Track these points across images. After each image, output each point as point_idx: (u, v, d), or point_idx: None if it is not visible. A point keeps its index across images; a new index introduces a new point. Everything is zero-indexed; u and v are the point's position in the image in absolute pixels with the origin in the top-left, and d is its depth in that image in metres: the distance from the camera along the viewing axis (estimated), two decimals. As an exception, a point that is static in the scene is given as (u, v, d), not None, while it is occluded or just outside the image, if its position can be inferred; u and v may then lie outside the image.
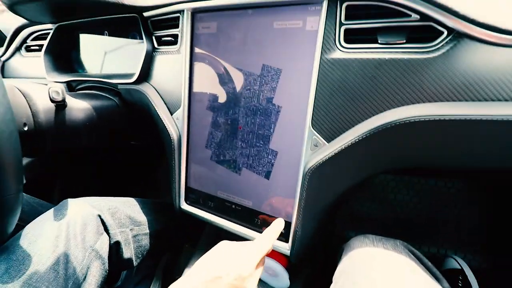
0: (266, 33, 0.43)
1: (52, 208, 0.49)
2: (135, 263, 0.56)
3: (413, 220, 0.80)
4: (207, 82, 0.51)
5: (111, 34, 0.68)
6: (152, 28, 0.58)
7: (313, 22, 0.39)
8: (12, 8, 0.56)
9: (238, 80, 0.48)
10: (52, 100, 0.46)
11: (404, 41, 0.34)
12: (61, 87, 0.46)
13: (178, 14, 0.52)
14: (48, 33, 0.72)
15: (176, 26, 0.53)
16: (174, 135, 0.54)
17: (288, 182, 0.45)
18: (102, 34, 0.69)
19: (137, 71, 0.58)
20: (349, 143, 0.37)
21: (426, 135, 0.35)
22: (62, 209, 0.48)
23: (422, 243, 0.78)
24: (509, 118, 0.30)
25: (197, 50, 0.51)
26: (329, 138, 0.40)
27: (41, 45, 0.74)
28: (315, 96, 0.39)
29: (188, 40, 0.51)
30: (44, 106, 0.48)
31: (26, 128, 0.46)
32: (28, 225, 0.46)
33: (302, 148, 0.42)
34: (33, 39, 0.78)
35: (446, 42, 0.33)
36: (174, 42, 0.54)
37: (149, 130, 0.63)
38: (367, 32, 0.36)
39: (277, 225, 0.42)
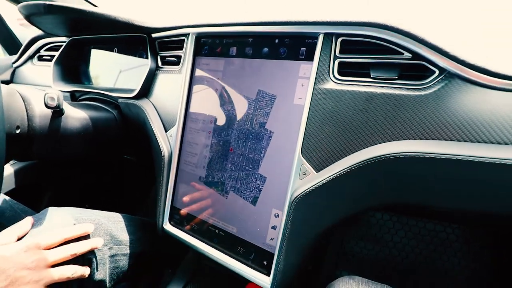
0: (262, 63, 0.45)
1: (32, 216, 0.47)
2: (108, 285, 0.53)
3: (408, 265, 0.75)
4: (203, 103, 0.52)
5: (120, 51, 0.71)
6: (159, 48, 0.61)
7: (308, 53, 0.40)
8: (29, 19, 0.59)
9: (234, 104, 0.48)
10: (47, 106, 0.47)
11: (396, 77, 0.35)
12: (58, 94, 0.47)
13: (183, 37, 0.54)
14: (61, 45, 0.76)
15: (181, 48, 0.55)
16: (165, 151, 0.54)
17: (274, 210, 0.43)
18: (111, 50, 0.72)
19: (138, 87, 0.59)
20: (338, 174, 0.36)
21: (415, 172, 0.34)
22: (41, 217, 0.46)
23: None
24: (497, 161, 0.29)
25: (197, 72, 0.53)
26: (319, 167, 0.39)
27: (53, 56, 0.77)
28: (306, 124, 0.39)
29: (190, 61, 0.53)
30: (41, 111, 0.48)
31: (18, 131, 0.46)
32: (3, 230, 0.44)
33: (291, 175, 0.41)
34: (46, 50, 0.81)
35: (438, 81, 0.33)
36: (176, 63, 0.56)
37: (143, 145, 0.63)
38: (361, 66, 0.37)
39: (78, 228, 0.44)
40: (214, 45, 0.51)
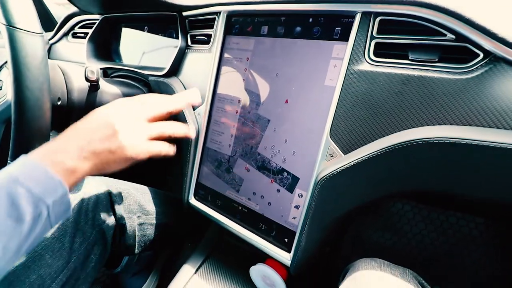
0: (294, 43, 0.44)
1: None
2: (136, 251, 0.57)
3: (427, 257, 0.75)
4: (231, 83, 0.53)
5: (150, 30, 0.73)
6: (189, 27, 0.61)
7: (343, 33, 0.40)
8: (67, -4, 0.61)
9: (262, 84, 0.49)
10: (87, 79, 0.50)
11: (437, 59, 0.34)
12: (97, 68, 0.50)
13: (214, 16, 0.55)
14: (94, 23, 0.79)
15: (211, 27, 0.56)
16: (192, 128, 0.56)
17: (298, 190, 0.44)
18: (142, 29, 0.74)
19: (168, 65, 0.61)
20: (366, 157, 0.36)
21: (448, 158, 0.33)
22: (78, 185, 0.50)
23: (434, 283, 0.72)
24: None
25: (227, 51, 0.53)
26: (346, 149, 0.39)
27: (87, 33, 0.80)
28: (336, 106, 0.39)
29: (220, 40, 0.53)
30: (79, 85, 0.51)
31: (59, 103, 0.49)
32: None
33: (317, 156, 0.41)
34: (80, 27, 0.85)
35: (482, 65, 0.32)
36: (206, 42, 0.57)
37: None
38: (399, 48, 0.36)
39: (193, 92, 0.41)
40: (245, 24, 0.51)
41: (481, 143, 0.31)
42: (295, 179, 0.45)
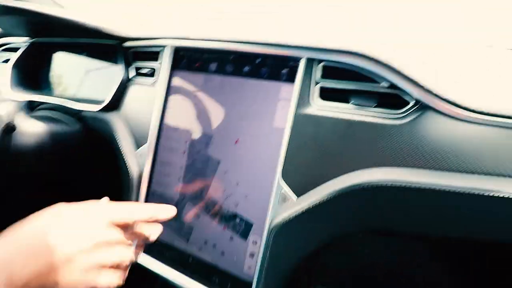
0: (243, 82, 0.44)
1: None
2: None
3: (386, 282, 0.76)
4: (179, 120, 0.49)
5: (88, 56, 0.66)
6: (132, 58, 0.57)
7: (290, 75, 0.40)
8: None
9: (211, 123, 0.46)
10: None
11: (375, 105, 0.36)
12: (8, 110, 0.42)
13: (160, 49, 0.52)
14: (19, 47, 0.69)
15: (157, 59, 0.52)
16: (134, 172, 0.50)
17: (252, 237, 0.41)
18: (79, 55, 0.67)
19: (107, 98, 0.55)
20: (319, 201, 0.36)
21: (391, 199, 0.34)
22: None
23: None
24: (466, 190, 0.30)
25: (173, 86, 0.50)
26: (299, 192, 0.38)
27: (8, 59, 0.70)
28: (287, 148, 0.39)
29: (166, 74, 0.50)
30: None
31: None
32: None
33: (270, 200, 0.39)
34: (4, 50, 0.73)
35: (412, 112, 0.34)
36: (151, 75, 0.53)
37: (110, 164, 0.58)
38: (341, 92, 0.38)
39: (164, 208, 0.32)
40: (193, 59, 0.49)
41: (416, 185, 0.32)
42: (248, 225, 0.42)
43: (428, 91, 0.33)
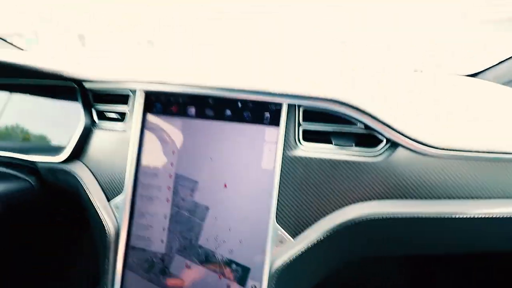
0: (225, 126, 0.44)
1: None
2: None
3: None
4: (158, 169, 0.46)
5: (39, 97, 0.58)
6: (93, 100, 0.52)
7: (273, 118, 0.42)
8: None
9: (195, 167, 0.45)
10: None
11: (353, 145, 0.39)
12: None
13: (127, 92, 0.48)
14: None
15: (123, 102, 0.49)
16: (110, 227, 0.45)
17: (251, 282, 0.41)
18: (22, 96, 0.58)
19: (69, 147, 0.49)
20: (317, 240, 0.37)
21: (378, 228, 0.38)
22: None
23: None
24: (434, 215, 0.35)
25: (148, 132, 0.47)
26: (294, 233, 0.39)
27: None
28: (279, 190, 0.39)
29: (138, 119, 0.47)
30: None
31: None
32: None
33: (267, 243, 0.39)
34: None
35: (386, 149, 0.39)
36: (120, 119, 0.49)
37: (75, 217, 0.51)
38: (323, 134, 0.40)
39: None
40: (168, 103, 0.47)
41: (398, 215, 0.36)
42: (246, 270, 0.41)
43: (396, 130, 0.38)
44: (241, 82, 0.43)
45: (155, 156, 0.47)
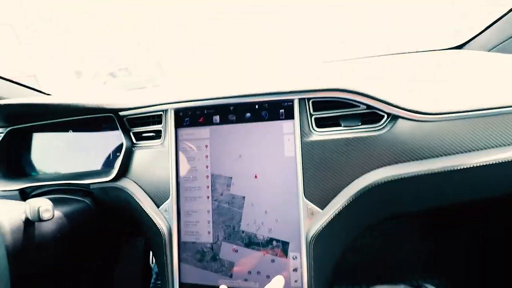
0: (248, 126, 0.51)
1: None
2: None
3: (379, 262, 0.86)
4: (195, 172, 0.53)
5: (76, 132, 0.66)
6: (129, 125, 0.60)
7: (287, 113, 0.49)
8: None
9: (226, 165, 0.52)
10: (40, 219, 0.41)
11: (360, 123, 0.46)
12: (50, 204, 0.42)
13: (160, 113, 0.56)
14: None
15: (159, 122, 0.56)
16: (163, 228, 0.52)
17: (291, 253, 0.47)
18: (65, 132, 0.66)
19: (116, 167, 0.56)
20: (342, 207, 0.43)
21: (393, 189, 0.44)
22: None
23: (393, 279, 0.83)
24: (437, 170, 0.41)
25: (182, 143, 0.54)
26: (322, 205, 0.45)
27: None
28: (303, 172, 0.46)
29: (172, 134, 0.54)
30: (11, 225, 0.41)
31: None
32: None
33: (300, 218, 0.46)
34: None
35: (388, 122, 0.45)
36: (156, 137, 0.57)
37: (126, 228, 0.58)
38: (332, 119, 0.47)
39: (277, 282, 0.41)
40: (196, 116, 0.54)
41: (405, 175, 0.42)
42: (285, 244, 0.47)
43: (394, 105, 0.44)
44: (255, 87, 0.50)
45: (191, 163, 0.54)
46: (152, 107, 0.56)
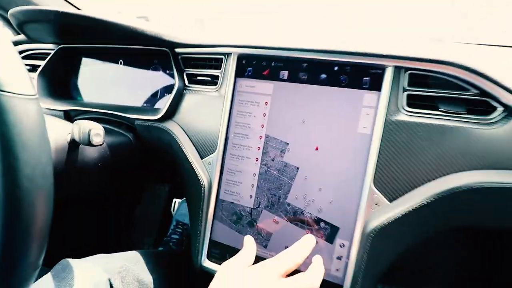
0: (320, 90, 0.43)
1: (50, 272, 0.37)
2: None
3: (428, 269, 0.79)
4: (248, 130, 0.47)
5: (126, 63, 0.62)
6: (184, 65, 0.54)
7: (373, 83, 0.40)
8: (20, 27, 0.47)
9: (286, 129, 0.45)
10: (91, 144, 0.38)
11: (465, 111, 0.37)
12: (102, 128, 0.38)
13: (221, 56, 0.49)
14: (46, 53, 0.63)
15: (217, 67, 0.50)
16: (205, 181, 0.48)
17: (339, 240, 0.41)
18: (116, 62, 0.62)
19: (164, 107, 0.51)
20: (416, 206, 0.36)
21: (487, 200, 0.36)
22: (66, 273, 0.37)
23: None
24: None
25: (239, 95, 0.48)
26: (391, 197, 0.38)
27: (35, 66, 0.63)
28: (378, 155, 0.39)
29: (231, 83, 0.48)
30: (56, 144, 0.39)
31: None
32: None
33: (360, 205, 0.39)
34: (25, 58, 0.66)
35: (503, 117, 0.35)
36: (211, 83, 0.51)
37: (165, 171, 0.55)
38: (428, 99, 0.38)
39: (308, 240, 0.39)
40: (260, 67, 0.47)
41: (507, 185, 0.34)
42: (334, 229, 0.42)
43: (517, 97, 0.34)
44: (338, 43, 0.41)
45: (246, 118, 0.48)
46: (213, 48, 0.49)
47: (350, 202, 0.41)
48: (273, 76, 0.46)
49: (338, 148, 0.42)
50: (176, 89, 0.51)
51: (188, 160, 0.49)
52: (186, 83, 0.53)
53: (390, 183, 0.38)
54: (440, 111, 0.37)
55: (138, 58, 0.59)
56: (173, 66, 0.52)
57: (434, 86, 0.38)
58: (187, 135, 0.51)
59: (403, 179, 0.38)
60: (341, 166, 0.42)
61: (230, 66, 0.48)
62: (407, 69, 0.38)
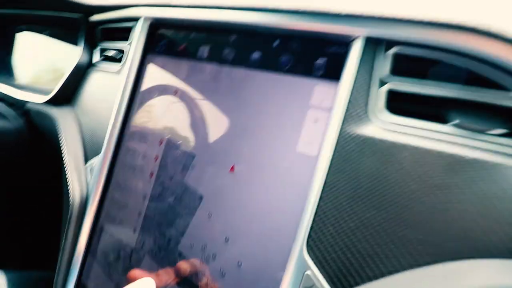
0: (249, 76, 0.26)
1: None
2: None
3: None
4: (147, 130, 0.31)
5: (52, 35, 0.48)
6: (101, 37, 0.39)
7: (330, 68, 0.22)
8: None
9: (196, 133, 0.28)
10: None
11: (504, 130, 0.17)
12: None
13: (132, 23, 0.34)
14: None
15: (126, 39, 0.34)
16: (76, 194, 0.31)
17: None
18: (40, 32, 0.49)
19: (55, 88, 0.36)
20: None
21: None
22: None
23: None
24: None
25: (146, 76, 0.32)
26: (336, 282, 0.19)
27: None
28: (321, 194, 0.20)
29: (136, 59, 0.32)
30: None
31: None
32: None
33: (283, 282, 0.21)
34: None
35: None
36: (118, 59, 0.35)
37: (55, 178, 0.40)
38: (429, 102, 0.19)
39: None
40: (176, 40, 0.31)
41: None
42: (239, 314, 0.23)
43: None
44: (283, 2, 0.24)
45: (146, 113, 0.31)
46: (123, 11, 0.34)
47: (269, 272, 0.22)
48: (190, 53, 0.30)
49: (264, 175, 0.24)
50: (76, 65, 0.36)
51: (63, 162, 0.33)
52: (94, 59, 0.38)
53: (337, 255, 0.19)
54: (450, 126, 0.18)
55: (50, 31, 0.46)
56: (82, 37, 0.38)
57: (439, 76, 0.19)
58: (81, 128, 0.35)
59: (363, 253, 0.19)
60: (265, 206, 0.23)
61: (137, 36, 0.32)
62: (389, 43, 0.20)
